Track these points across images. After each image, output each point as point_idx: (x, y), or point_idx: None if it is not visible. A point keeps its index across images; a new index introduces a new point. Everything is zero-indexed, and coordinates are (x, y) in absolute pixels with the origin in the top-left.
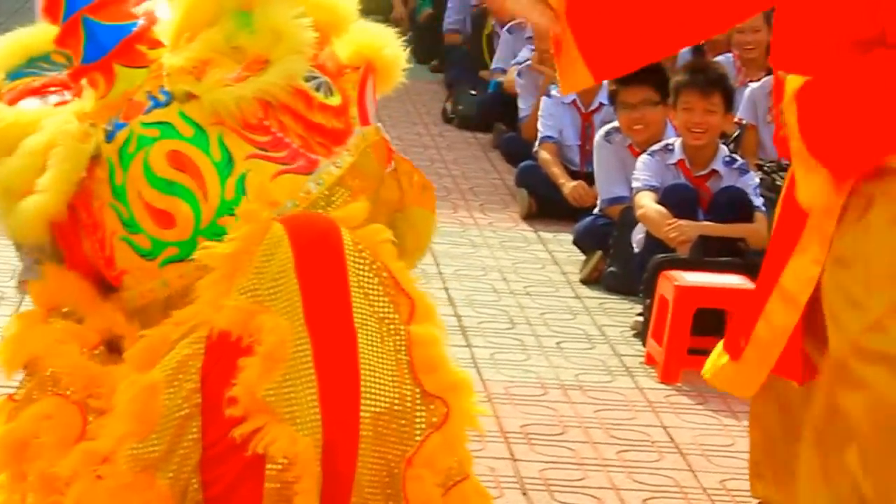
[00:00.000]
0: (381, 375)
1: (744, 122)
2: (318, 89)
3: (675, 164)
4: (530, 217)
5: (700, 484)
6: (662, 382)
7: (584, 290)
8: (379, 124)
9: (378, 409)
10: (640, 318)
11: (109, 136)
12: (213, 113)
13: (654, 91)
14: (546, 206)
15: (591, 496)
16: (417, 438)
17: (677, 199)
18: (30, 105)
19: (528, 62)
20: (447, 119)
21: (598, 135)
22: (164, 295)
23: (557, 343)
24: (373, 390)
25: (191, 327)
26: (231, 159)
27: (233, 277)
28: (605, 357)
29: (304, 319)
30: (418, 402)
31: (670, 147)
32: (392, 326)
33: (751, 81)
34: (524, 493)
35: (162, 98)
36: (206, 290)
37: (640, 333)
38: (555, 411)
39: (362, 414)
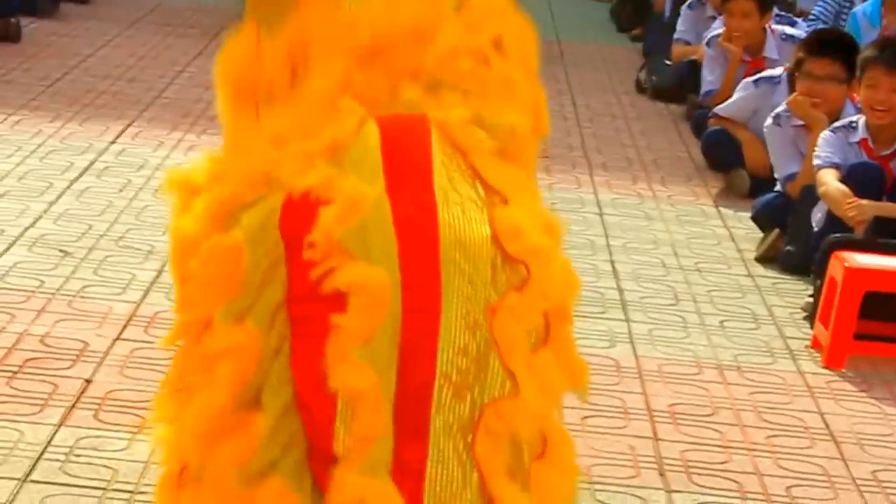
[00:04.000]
0: (461, 227)
1: None
2: None
3: (857, 142)
4: (735, 194)
5: (850, 473)
6: (826, 367)
7: (759, 269)
8: None
9: (458, 256)
10: (811, 300)
11: None
12: None
13: (841, 67)
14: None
15: (732, 480)
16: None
17: (861, 179)
18: None
19: (719, 33)
20: (641, 89)
21: (767, 121)
22: None
23: (721, 322)
24: (451, 238)
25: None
26: None
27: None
28: (770, 339)
29: (384, 185)
30: (499, 264)
31: (853, 125)
32: (474, 205)
33: None
34: (661, 474)
35: None
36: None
37: (811, 316)
38: (707, 392)
39: (442, 257)
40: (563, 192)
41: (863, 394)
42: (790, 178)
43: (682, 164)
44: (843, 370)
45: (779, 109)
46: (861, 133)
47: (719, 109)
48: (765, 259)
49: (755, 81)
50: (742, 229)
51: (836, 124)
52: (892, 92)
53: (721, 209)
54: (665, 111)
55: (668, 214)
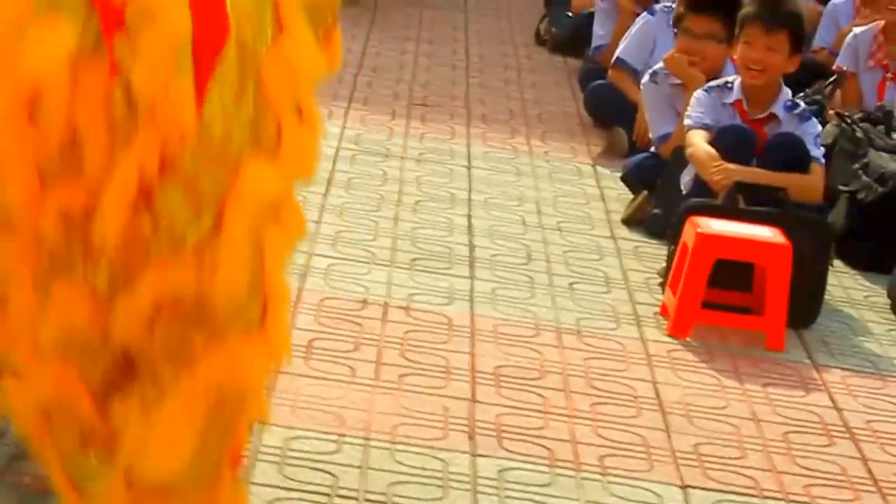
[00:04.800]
0: None
1: (843, 69)
2: None
3: (731, 103)
4: (616, 154)
5: (670, 445)
6: (671, 335)
7: (623, 232)
8: None
9: None
10: (666, 265)
11: None
12: None
13: (721, 26)
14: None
15: (543, 447)
16: None
17: (732, 142)
18: None
19: None
20: (540, 41)
21: (644, 77)
22: None
23: (570, 284)
24: None
25: None
26: None
27: None
28: (619, 303)
29: None
30: None
31: (729, 85)
32: None
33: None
34: (470, 437)
35: None
36: None
37: (665, 282)
38: (539, 355)
39: None
40: (434, 142)
41: (703, 364)
42: (664, 138)
43: (567, 119)
44: (688, 339)
45: (656, 67)
46: (736, 94)
47: (619, 55)
48: (632, 222)
49: (650, 11)
50: (615, 190)
51: (711, 84)
52: (768, 51)
53: (598, 168)
54: (562, 65)
55: (540, 171)
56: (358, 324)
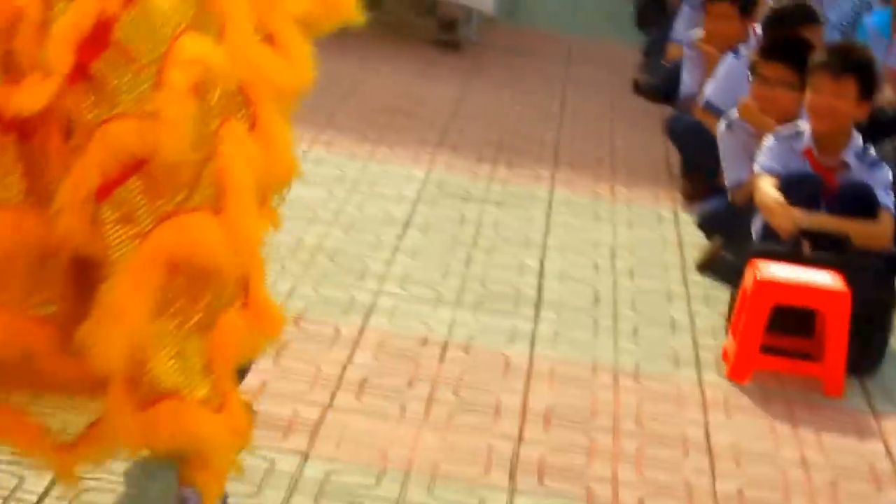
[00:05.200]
0: None
1: None
2: None
3: (802, 150)
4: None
5: (713, 488)
6: (730, 379)
7: (696, 277)
8: None
9: None
10: (729, 310)
11: None
12: None
13: (792, 72)
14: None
15: (585, 486)
16: None
17: (798, 188)
18: None
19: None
20: (638, 89)
21: (721, 125)
22: None
23: (635, 327)
24: None
25: None
26: None
27: None
28: (681, 347)
29: None
30: None
31: (799, 132)
32: None
33: None
34: (511, 476)
35: None
36: None
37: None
38: (594, 396)
39: None
40: (517, 186)
41: (759, 409)
42: (738, 184)
43: (654, 167)
44: (747, 384)
45: (732, 114)
46: (806, 141)
47: (708, 97)
48: (706, 267)
49: (735, 53)
50: (695, 237)
51: (782, 131)
52: (836, 97)
53: (681, 215)
54: (656, 112)
55: (619, 217)
56: (416, 362)
